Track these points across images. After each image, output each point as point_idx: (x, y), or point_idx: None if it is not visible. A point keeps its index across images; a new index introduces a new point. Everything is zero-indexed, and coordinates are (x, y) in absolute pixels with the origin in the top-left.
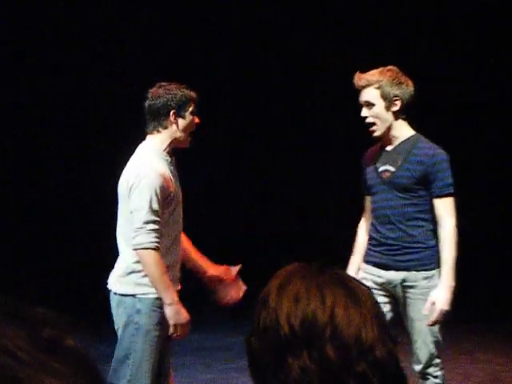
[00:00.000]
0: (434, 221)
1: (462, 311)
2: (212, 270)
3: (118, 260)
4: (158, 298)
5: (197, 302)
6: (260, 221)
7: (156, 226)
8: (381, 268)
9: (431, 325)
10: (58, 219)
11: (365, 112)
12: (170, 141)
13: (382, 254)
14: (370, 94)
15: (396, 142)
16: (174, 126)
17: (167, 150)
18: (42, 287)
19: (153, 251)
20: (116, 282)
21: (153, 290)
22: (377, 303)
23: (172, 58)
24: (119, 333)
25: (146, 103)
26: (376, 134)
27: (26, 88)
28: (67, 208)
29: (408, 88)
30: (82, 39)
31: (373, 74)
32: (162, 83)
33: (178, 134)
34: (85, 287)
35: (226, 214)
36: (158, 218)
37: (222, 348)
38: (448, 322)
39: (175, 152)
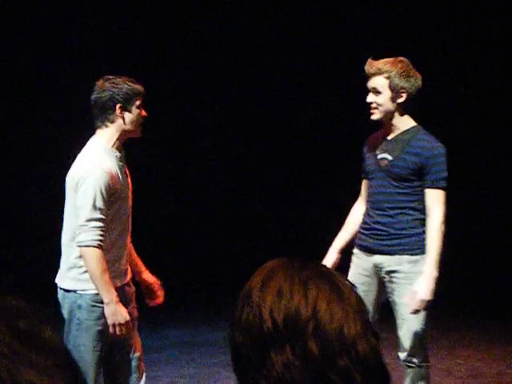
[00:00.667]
0: (424, 212)
1: (442, 307)
2: (145, 275)
3: (62, 254)
4: (99, 294)
5: (179, 297)
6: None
7: (99, 224)
8: (368, 252)
9: (413, 313)
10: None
11: (371, 98)
12: (118, 135)
13: (369, 238)
14: (378, 82)
15: (396, 132)
16: (121, 120)
17: (116, 144)
18: (18, 280)
19: (94, 249)
20: (60, 276)
21: (93, 285)
22: (360, 299)
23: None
24: (64, 328)
25: (93, 96)
26: (374, 117)
27: None
28: (31, 200)
29: (416, 82)
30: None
31: (385, 63)
32: (109, 76)
33: (126, 128)
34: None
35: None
36: (102, 216)
37: (206, 343)
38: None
39: (127, 144)
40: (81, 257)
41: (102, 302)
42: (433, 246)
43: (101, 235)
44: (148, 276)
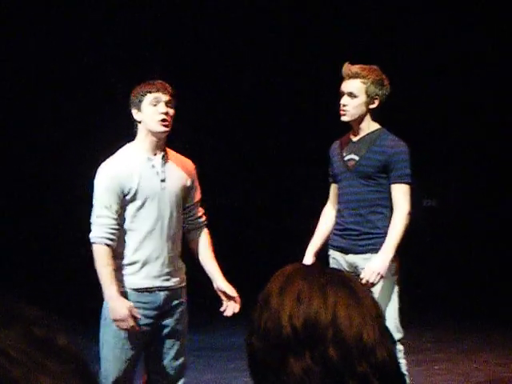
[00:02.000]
0: (392, 209)
1: (462, 311)
2: (218, 282)
3: None
4: (122, 292)
5: (196, 302)
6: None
7: (108, 221)
8: (342, 252)
9: (369, 286)
10: (48, 218)
11: (346, 100)
12: (144, 136)
13: (342, 238)
14: (355, 86)
15: (362, 134)
16: (141, 123)
17: (145, 146)
18: (35, 287)
19: (99, 245)
20: None
21: (117, 283)
22: (376, 304)
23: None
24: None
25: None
26: (344, 119)
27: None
28: (58, 209)
29: (387, 90)
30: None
31: (363, 69)
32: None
33: (147, 128)
34: (79, 287)
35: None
36: (111, 214)
37: (223, 348)
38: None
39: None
40: None
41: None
42: (394, 231)
43: (109, 232)
44: (221, 284)
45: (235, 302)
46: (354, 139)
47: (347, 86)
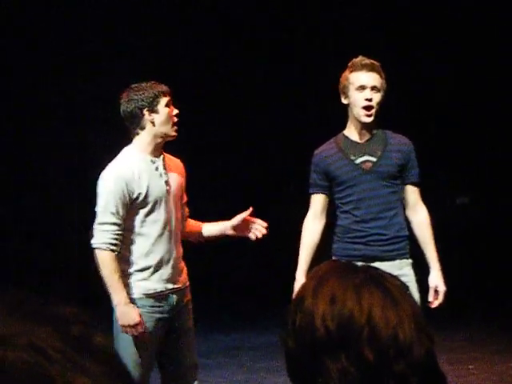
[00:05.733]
0: (403, 209)
1: (496, 310)
2: (228, 223)
3: None
4: (134, 299)
5: (226, 303)
6: None
7: (112, 228)
8: (366, 261)
9: (436, 308)
10: (69, 217)
11: (371, 94)
12: (151, 140)
13: (367, 245)
14: (378, 81)
15: (369, 134)
16: (151, 124)
17: (151, 150)
18: (61, 287)
19: (104, 251)
20: None
21: (128, 290)
22: (413, 301)
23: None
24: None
25: (121, 109)
26: (370, 120)
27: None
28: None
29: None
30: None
31: (378, 65)
32: (132, 85)
33: (158, 130)
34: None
35: None
36: (115, 220)
37: (253, 348)
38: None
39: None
40: None
41: (135, 303)
42: (432, 240)
43: (113, 238)
44: (231, 222)
45: (255, 222)
46: (361, 140)
47: (369, 79)
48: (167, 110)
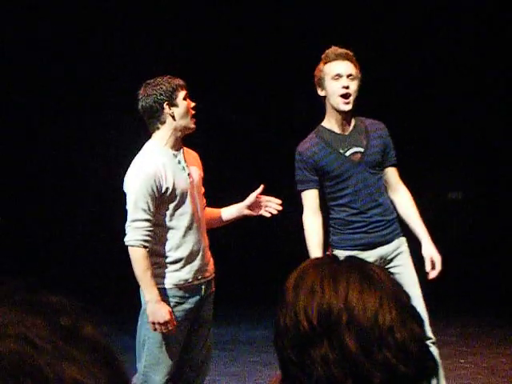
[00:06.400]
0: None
1: (488, 304)
2: (243, 203)
3: None
4: (166, 289)
5: (219, 296)
6: None
7: (144, 224)
8: (367, 249)
9: (433, 278)
10: (79, 210)
11: (348, 82)
12: (171, 133)
13: (368, 234)
14: (353, 69)
15: (350, 125)
16: (171, 118)
17: (171, 143)
18: (68, 278)
19: (137, 248)
20: None
21: (160, 280)
22: (396, 284)
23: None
24: (139, 319)
25: (139, 105)
26: (349, 108)
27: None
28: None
29: None
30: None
31: (352, 54)
32: (147, 81)
33: (178, 123)
34: (112, 279)
35: None
36: (146, 216)
37: (247, 341)
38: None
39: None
40: None
41: (168, 297)
42: (418, 214)
43: (145, 235)
44: (244, 203)
45: (269, 200)
46: (345, 132)
47: (345, 67)
48: (186, 102)
